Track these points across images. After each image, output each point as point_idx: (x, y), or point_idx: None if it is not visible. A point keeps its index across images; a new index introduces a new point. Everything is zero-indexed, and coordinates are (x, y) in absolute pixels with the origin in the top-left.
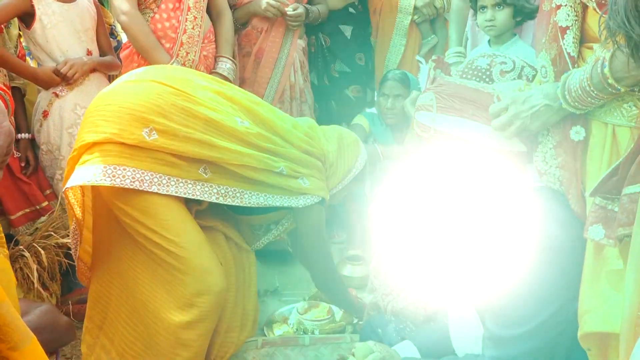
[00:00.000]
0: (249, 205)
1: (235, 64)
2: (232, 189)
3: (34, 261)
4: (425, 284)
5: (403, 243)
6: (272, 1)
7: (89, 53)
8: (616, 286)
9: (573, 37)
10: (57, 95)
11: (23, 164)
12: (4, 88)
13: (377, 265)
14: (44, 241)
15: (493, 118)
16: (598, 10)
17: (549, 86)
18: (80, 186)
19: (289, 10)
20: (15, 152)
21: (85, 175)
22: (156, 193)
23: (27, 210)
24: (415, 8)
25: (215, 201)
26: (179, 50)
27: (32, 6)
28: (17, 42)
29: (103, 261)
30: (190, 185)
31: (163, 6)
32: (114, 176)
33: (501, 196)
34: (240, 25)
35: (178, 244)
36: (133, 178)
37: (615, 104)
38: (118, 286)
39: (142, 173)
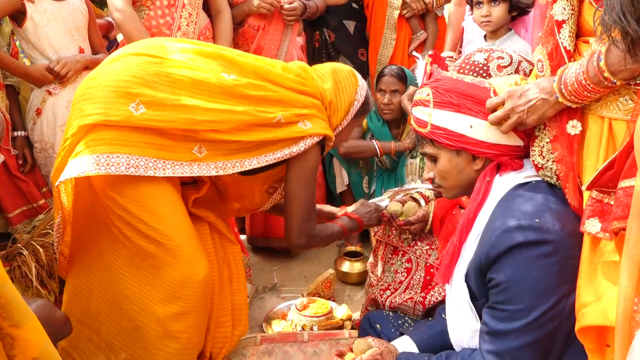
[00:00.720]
0: (249, 168)
1: None
2: (231, 161)
3: (32, 259)
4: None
5: (401, 239)
6: None
7: (81, 51)
8: (613, 280)
9: (569, 31)
10: (50, 93)
11: (20, 162)
12: None
13: (375, 260)
14: (42, 239)
15: (489, 112)
16: (594, 3)
17: (545, 80)
18: (74, 179)
19: (285, 4)
20: (12, 149)
21: (79, 166)
22: (151, 184)
23: (25, 208)
24: (404, 2)
25: (215, 174)
26: None
27: (24, 4)
28: (10, 40)
29: (81, 255)
30: (186, 166)
31: (158, 3)
32: (108, 165)
33: (497, 189)
34: (236, 25)
35: (169, 236)
36: (128, 164)
37: (611, 98)
38: (98, 281)
39: (137, 159)
